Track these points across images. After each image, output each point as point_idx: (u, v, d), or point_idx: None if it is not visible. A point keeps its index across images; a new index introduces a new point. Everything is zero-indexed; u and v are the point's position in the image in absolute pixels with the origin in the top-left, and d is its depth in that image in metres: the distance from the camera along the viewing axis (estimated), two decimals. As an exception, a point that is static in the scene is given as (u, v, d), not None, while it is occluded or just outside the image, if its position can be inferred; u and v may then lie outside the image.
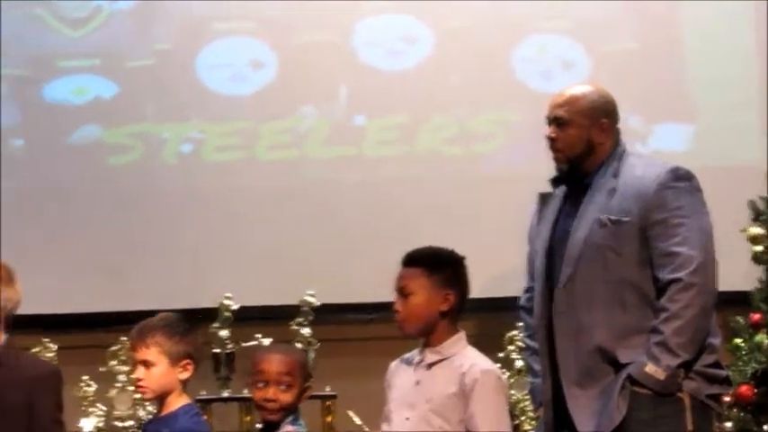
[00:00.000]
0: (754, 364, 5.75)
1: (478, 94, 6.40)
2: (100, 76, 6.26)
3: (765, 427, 5.63)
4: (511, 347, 5.74)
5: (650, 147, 6.19)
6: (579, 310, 4.79)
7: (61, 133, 6.25)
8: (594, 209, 4.76)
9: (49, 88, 6.23)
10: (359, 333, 6.08)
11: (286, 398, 4.47)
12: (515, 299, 5.16)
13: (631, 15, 6.54)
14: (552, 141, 4.84)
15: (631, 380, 4.64)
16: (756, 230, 5.92)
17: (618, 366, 4.69)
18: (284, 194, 6.37)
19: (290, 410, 4.51)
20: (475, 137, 6.43)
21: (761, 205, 5.98)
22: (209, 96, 6.31)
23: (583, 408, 4.76)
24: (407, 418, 4.54)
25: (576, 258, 4.76)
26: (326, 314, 5.91)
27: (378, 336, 5.63)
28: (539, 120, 5.01)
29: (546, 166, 4.95)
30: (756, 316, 5.88)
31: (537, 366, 4.93)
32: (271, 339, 5.58)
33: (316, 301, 5.83)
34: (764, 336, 5.82)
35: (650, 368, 4.62)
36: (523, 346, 5.33)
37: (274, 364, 4.53)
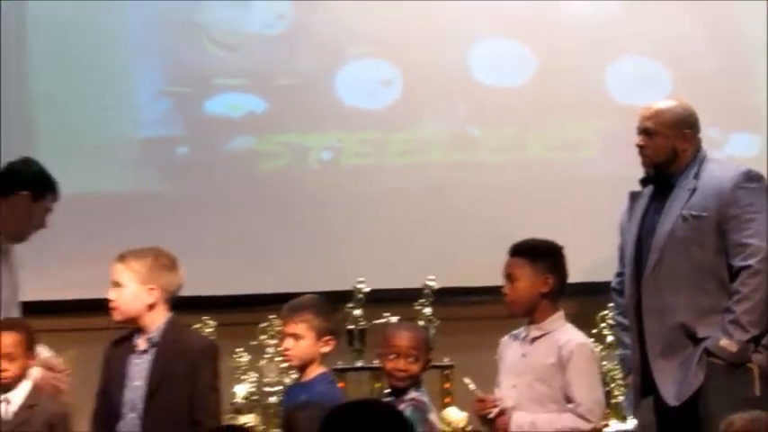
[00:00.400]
0: (812, 340, 5.68)
1: (577, 107, 6.30)
2: (252, 93, 6.32)
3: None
4: (602, 325, 5.78)
5: (725, 153, 6.16)
6: (664, 292, 4.99)
7: (219, 142, 6.32)
8: (678, 206, 5.02)
9: (208, 104, 6.29)
10: (472, 312, 6.05)
11: (413, 368, 4.72)
12: (607, 283, 5.34)
13: (708, 38, 6.42)
14: (641, 149, 5.10)
15: (708, 352, 4.90)
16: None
17: (696, 341, 4.94)
18: (409, 195, 6.32)
19: (415, 379, 4.75)
20: (574, 144, 6.36)
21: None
22: (346, 110, 6.35)
23: (666, 376, 4.97)
24: (514, 386, 4.77)
25: (661, 248, 5.01)
26: (445, 296, 5.95)
27: (488, 315, 5.66)
28: (628, 129, 5.27)
29: (635, 170, 5.19)
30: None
31: (627, 340, 5.15)
32: (397, 318, 5.64)
33: (436, 285, 5.87)
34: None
35: (724, 342, 4.87)
36: (614, 322, 5.46)
37: (404, 339, 4.79)
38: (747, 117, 6.42)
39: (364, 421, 2.93)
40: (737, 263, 4.97)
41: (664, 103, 5.25)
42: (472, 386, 4.91)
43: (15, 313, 5.49)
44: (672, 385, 5.01)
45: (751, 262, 4.95)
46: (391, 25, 6.32)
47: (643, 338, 5.09)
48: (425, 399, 4.81)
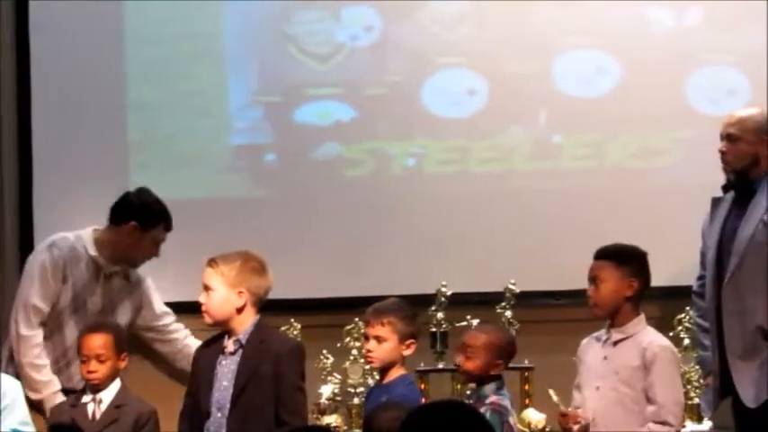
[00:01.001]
0: None
1: (658, 116, 6.20)
2: (341, 102, 6.33)
3: None
4: (679, 328, 5.70)
5: None
6: (744, 295, 5.02)
7: (307, 150, 6.33)
8: (759, 211, 5.03)
9: (298, 112, 6.30)
10: (552, 315, 5.99)
11: (469, 366, 4.89)
12: (684, 287, 5.41)
13: None
14: (723, 154, 5.15)
15: None
16: None
17: None
18: (491, 200, 6.25)
19: (492, 379, 4.83)
20: (655, 152, 6.25)
21: None
22: (431, 118, 6.32)
23: (744, 378, 5.00)
24: (597, 387, 4.85)
25: (742, 252, 5.03)
26: (526, 299, 5.90)
27: (568, 318, 5.73)
28: (708, 138, 5.32)
29: (715, 177, 5.22)
30: None
31: (706, 342, 5.18)
32: (478, 320, 5.57)
33: (516, 289, 5.83)
34: None
35: None
36: (693, 325, 5.51)
37: (473, 339, 4.92)
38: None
39: (445, 422, 2.94)
40: (816, 269, 4.97)
41: (746, 110, 5.29)
42: (555, 398, 4.94)
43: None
44: (750, 387, 5.01)
45: (829, 267, 4.93)
46: (477, 36, 6.30)
47: (722, 340, 5.09)
48: (506, 402, 4.88)
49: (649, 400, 4.79)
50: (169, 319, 5.85)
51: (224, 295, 4.90)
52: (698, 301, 5.40)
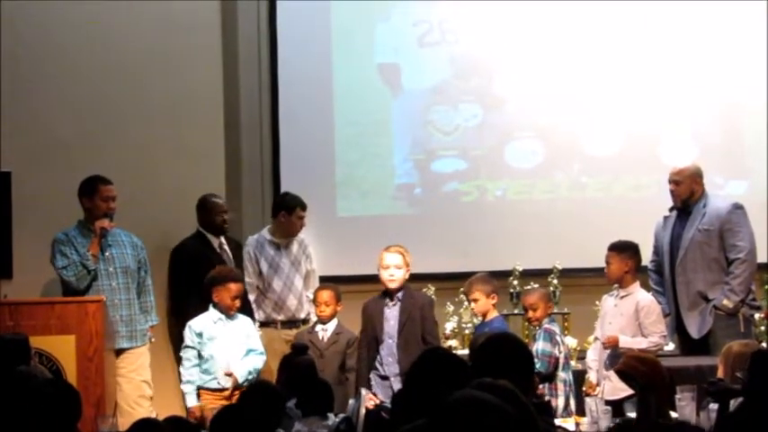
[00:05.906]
0: (774, 299, 6.03)
1: (641, 166, 6.38)
2: (458, 159, 6.58)
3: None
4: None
5: (726, 192, 6.25)
6: (689, 272, 5.51)
7: (439, 186, 6.60)
8: (696, 222, 5.52)
9: (433, 164, 6.60)
10: (581, 282, 6.08)
11: (536, 315, 4.98)
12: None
13: (717, 117, 6.45)
14: (672, 192, 5.61)
15: (715, 307, 5.45)
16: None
17: (708, 300, 5.48)
18: (546, 215, 6.41)
19: (540, 320, 4.99)
20: (639, 188, 6.38)
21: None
22: (510, 168, 6.51)
23: (691, 320, 5.51)
24: (610, 323, 5.13)
25: (687, 247, 5.51)
26: (565, 272, 6.10)
27: (589, 284, 5.90)
28: (664, 180, 5.64)
29: (667, 203, 5.54)
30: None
31: (660, 298, 5.53)
32: (537, 285, 5.56)
33: (560, 266, 6.02)
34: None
35: (725, 302, 5.42)
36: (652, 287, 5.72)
37: (530, 298, 5.03)
38: (739, 169, 6.48)
39: (504, 342, 3.33)
40: (732, 256, 5.49)
41: (683, 164, 5.65)
42: (594, 379, 5.10)
43: (299, 282, 5.79)
44: (694, 326, 5.50)
45: (740, 255, 5.48)
46: (539, 120, 6.52)
47: (677, 298, 5.55)
48: (555, 327, 5.08)
49: (642, 333, 4.97)
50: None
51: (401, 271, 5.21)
52: (651, 273, 5.68)
